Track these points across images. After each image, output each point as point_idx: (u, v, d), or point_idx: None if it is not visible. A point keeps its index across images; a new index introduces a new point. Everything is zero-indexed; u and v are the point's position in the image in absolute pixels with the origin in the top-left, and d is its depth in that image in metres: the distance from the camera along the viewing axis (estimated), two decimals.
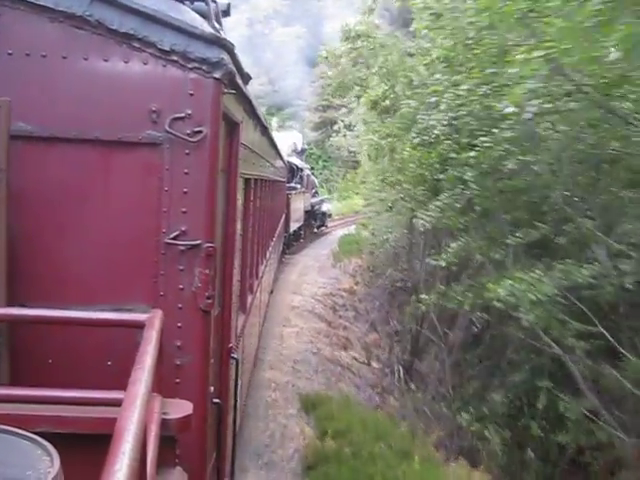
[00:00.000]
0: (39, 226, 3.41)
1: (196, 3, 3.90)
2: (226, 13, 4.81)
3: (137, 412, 1.92)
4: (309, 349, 14.43)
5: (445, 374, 15.27)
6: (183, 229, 3.50)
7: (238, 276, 5.59)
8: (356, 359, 15.82)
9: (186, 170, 3.48)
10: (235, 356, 4.67)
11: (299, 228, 31.88)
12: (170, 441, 2.99)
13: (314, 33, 57.06)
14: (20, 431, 2.28)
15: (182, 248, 3.50)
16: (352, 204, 48.48)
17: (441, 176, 11.65)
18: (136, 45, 3.41)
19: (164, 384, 3.45)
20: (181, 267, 3.52)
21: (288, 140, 41.00)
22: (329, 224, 42.56)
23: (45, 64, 3.37)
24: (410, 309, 16.34)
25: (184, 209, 3.49)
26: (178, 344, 3.53)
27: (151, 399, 2.32)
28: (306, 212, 34.85)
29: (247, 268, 6.20)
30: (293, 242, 30.05)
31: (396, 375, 16.10)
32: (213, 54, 3.47)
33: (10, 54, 3.33)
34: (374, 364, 16.52)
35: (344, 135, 38.28)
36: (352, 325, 18.95)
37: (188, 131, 3.45)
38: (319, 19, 60.61)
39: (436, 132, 11.14)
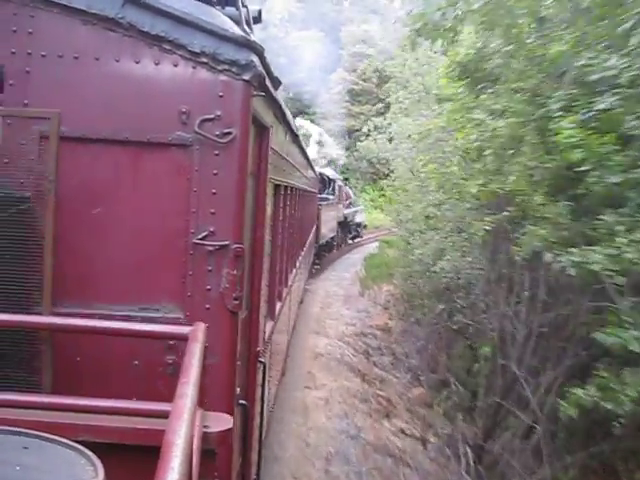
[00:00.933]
0: (70, 227, 3.45)
1: (227, 8, 3.94)
2: (257, 19, 4.86)
3: (184, 426, 1.92)
4: (345, 429, 10.68)
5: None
6: (211, 230, 3.51)
7: (266, 281, 5.60)
8: (404, 432, 11.63)
9: (215, 171, 3.50)
10: (262, 360, 4.66)
11: (332, 239, 31.90)
12: (210, 454, 3.00)
13: (331, 37, 55.69)
14: (65, 440, 2.31)
15: (210, 249, 3.51)
16: (371, 219, 46.82)
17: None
18: (167, 47, 3.46)
19: None
20: (209, 268, 3.53)
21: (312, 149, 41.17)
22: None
23: (77, 65, 3.42)
24: (484, 370, 11.20)
25: (213, 210, 3.51)
26: (205, 345, 3.52)
27: (195, 412, 2.32)
28: (339, 223, 34.88)
29: (276, 275, 6.20)
30: (325, 253, 30.06)
31: (463, 462, 10.90)
32: (243, 56, 3.49)
33: (44, 56, 3.40)
34: (430, 436, 11.80)
35: (374, 139, 36.01)
36: (390, 374, 14.62)
37: (217, 132, 3.48)
38: (335, 23, 58.73)
39: None
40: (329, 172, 34.18)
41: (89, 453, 2.21)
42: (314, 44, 53.93)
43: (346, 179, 40.74)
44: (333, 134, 48.74)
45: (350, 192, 40.15)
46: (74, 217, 3.46)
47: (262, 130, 4.43)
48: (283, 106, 5.18)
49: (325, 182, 31.51)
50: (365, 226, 44.14)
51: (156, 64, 3.47)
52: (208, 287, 3.54)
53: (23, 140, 3.32)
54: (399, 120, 20.63)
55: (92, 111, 3.45)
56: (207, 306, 3.54)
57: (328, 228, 28.29)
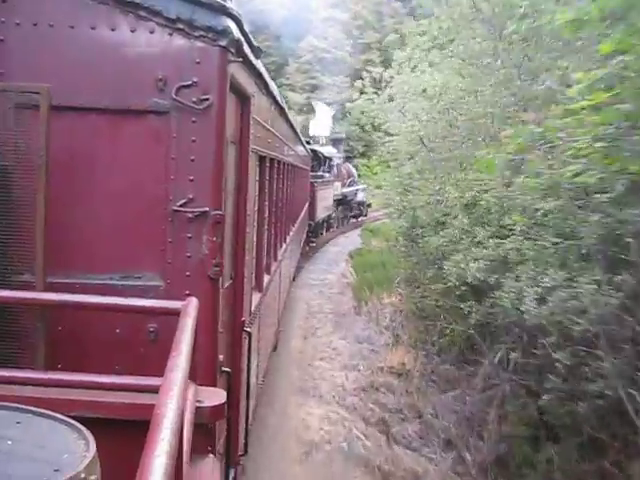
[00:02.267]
0: (51, 196, 3.46)
1: None
2: None
3: (175, 400, 1.92)
4: None
5: None
6: (190, 197, 3.52)
7: (253, 253, 5.62)
8: None
9: (193, 138, 3.50)
10: (248, 330, 4.69)
11: (328, 217, 31.88)
12: (204, 428, 3.02)
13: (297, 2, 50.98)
14: (57, 415, 2.31)
15: (190, 216, 3.53)
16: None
17: None
18: (142, 14, 3.45)
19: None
20: (189, 235, 3.54)
21: (324, 121, 40.83)
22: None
23: (53, 34, 3.41)
24: None
25: (192, 177, 3.52)
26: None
27: (186, 387, 2.33)
28: (338, 202, 34.84)
29: (263, 247, 6.22)
30: (322, 231, 30.08)
31: None
32: (219, 22, 3.48)
33: (18, 24, 3.39)
34: None
35: (370, 99, 31.01)
36: (422, 458, 8.95)
37: (194, 99, 3.47)
38: None
39: None
40: (327, 150, 34.07)
41: (81, 427, 2.22)
42: (280, 10, 49.87)
43: (348, 157, 40.29)
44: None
45: (353, 170, 39.98)
46: (54, 186, 3.47)
47: (243, 99, 4.43)
48: (265, 76, 5.16)
49: (320, 159, 31.46)
50: (369, 205, 43.87)
51: (132, 31, 3.46)
52: (188, 254, 3.55)
53: (10, 113, 3.31)
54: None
55: (69, 79, 3.44)
56: (187, 273, 3.56)
57: (324, 206, 28.29)
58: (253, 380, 5.30)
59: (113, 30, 3.45)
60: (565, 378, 6.80)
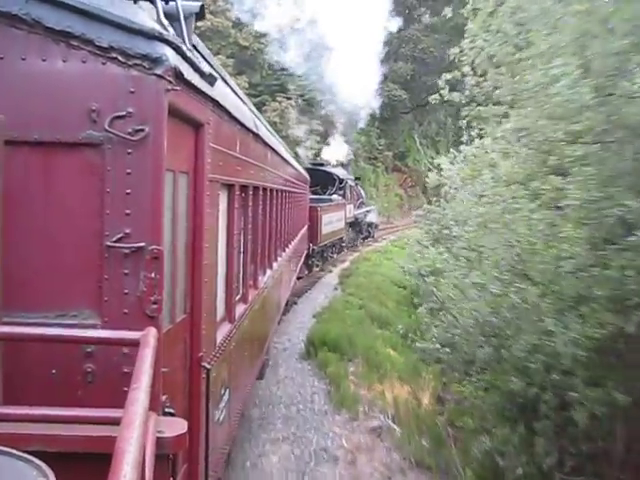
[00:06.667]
0: None
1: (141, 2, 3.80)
2: (199, 15, 4.71)
3: (136, 433, 1.92)
4: None
5: None
6: (127, 231, 3.38)
7: (221, 284, 5.45)
8: None
9: (129, 170, 3.37)
10: (207, 365, 4.51)
11: (339, 240, 31.74)
12: (164, 459, 2.98)
13: None
14: (14, 451, 2.26)
15: (126, 251, 3.38)
16: None
17: None
18: (74, 43, 3.32)
19: (113, 393, 3.34)
20: (125, 271, 3.39)
21: (336, 149, 41.41)
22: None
23: None
24: None
25: (128, 211, 3.38)
26: (125, 351, 3.40)
27: (147, 419, 2.29)
28: (350, 224, 34.79)
29: (233, 278, 6.02)
30: (330, 254, 29.90)
31: None
32: (154, 50, 3.36)
33: None
34: None
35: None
36: None
37: (129, 130, 3.34)
38: None
39: None
40: (341, 172, 34.09)
41: (40, 464, 2.17)
42: None
43: (357, 178, 40.50)
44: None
45: (362, 191, 40.05)
46: None
47: (195, 127, 4.29)
48: (228, 102, 5.02)
49: (335, 182, 31.43)
50: (377, 226, 43.93)
51: (64, 61, 3.34)
52: (125, 291, 3.40)
53: None
54: None
55: None
56: (125, 311, 3.41)
57: (333, 229, 28.14)
58: (216, 418, 5.10)
59: (44, 60, 3.34)
60: None
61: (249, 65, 40.41)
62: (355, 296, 20.34)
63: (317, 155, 40.32)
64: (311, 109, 42.09)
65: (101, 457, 2.28)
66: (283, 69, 41.51)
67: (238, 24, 39.42)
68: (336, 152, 40.99)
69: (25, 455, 2.23)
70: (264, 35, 39.75)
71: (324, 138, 42.54)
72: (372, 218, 41.35)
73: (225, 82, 7.79)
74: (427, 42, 57.77)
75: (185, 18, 4.36)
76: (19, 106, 3.33)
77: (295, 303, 18.38)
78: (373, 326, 16.86)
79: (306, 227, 21.12)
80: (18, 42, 3.32)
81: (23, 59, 3.33)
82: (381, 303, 19.63)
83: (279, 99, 38.94)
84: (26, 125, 3.33)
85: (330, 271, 27.31)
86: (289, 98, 39.33)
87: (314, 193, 26.10)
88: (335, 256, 30.94)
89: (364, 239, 39.98)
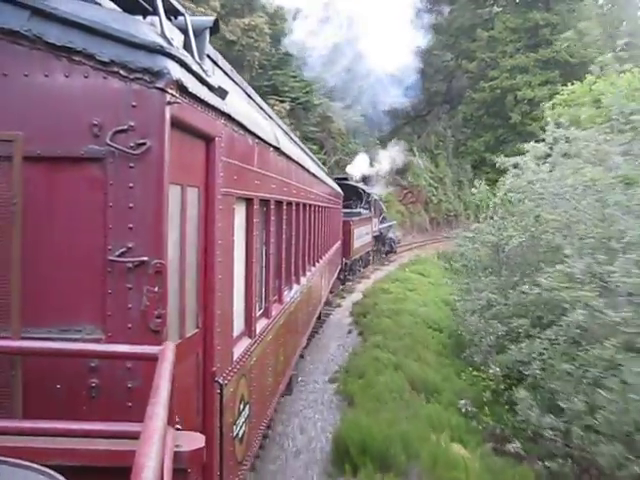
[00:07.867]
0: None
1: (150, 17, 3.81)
2: (213, 29, 4.70)
3: (155, 448, 1.93)
4: None
5: None
6: (130, 246, 3.36)
7: (239, 298, 5.40)
8: None
9: (131, 184, 3.35)
10: (220, 381, 4.45)
11: (367, 254, 31.64)
12: (181, 473, 2.96)
13: None
14: (35, 465, 2.30)
15: (129, 265, 3.36)
16: None
17: None
18: (76, 58, 3.33)
19: (116, 408, 3.31)
20: (129, 285, 3.37)
21: (360, 165, 41.49)
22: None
23: None
24: None
25: (130, 225, 3.36)
26: (129, 366, 3.37)
27: (166, 433, 2.30)
28: (375, 238, 34.66)
29: (253, 292, 5.95)
30: (359, 268, 29.79)
31: None
32: (155, 63, 3.35)
33: None
34: None
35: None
36: None
37: (131, 144, 3.33)
38: None
39: None
40: (364, 186, 34.06)
41: (60, 478, 2.21)
42: None
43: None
44: None
45: (382, 205, 39.92)
46: None
47: (206, 140, 4.27)
48: (239, 116, 4.99)
49: (361, 196, 31.36)
50: (399, 241, 43.53)
51: (66, 76, 3.35)
52: (129, 306, 3.38)
53: None
54: None
55: (3, 128, 3.33)
56: (129, 325, 3.38)
57: (362, 243, 28.03)
58: (234, 433, 5.03)
59: (47, 76, 3.35)
60: None
61: (237, 63, 34.12)
62: (384, 349, 14.45)
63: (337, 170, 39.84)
64: (307, 114, 39.74)
65: (120, 471, 2.30)
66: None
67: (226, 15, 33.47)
68: (359, 166, 40.92)
69: (45, 469, 2.27)
70: (257, 26, 34.29)
71: (321, 148, 40.77)
72: (393, 233, 41.08)
73: (249, 97, 7.80)
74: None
75: (198, 33, 4.37)
76: (22, 122, 3.34)
77: (302, 356, 13.06)
78: (419, 398, 11.52)
79: (340, 242, 20.96)
80: (21, 58, 3.33)
81: (26, 75, 3.34)
82: (419, 357, 14.30)
83: (271, 102, 33.68)
84: (29, 141, 3.33)
85: (339, 305, 22.12)
86: (283, 101, 35.66)
87: (343, 207, 26.09)
88: (362, 270, 30.81)
89: (386, 254, 39.63)
